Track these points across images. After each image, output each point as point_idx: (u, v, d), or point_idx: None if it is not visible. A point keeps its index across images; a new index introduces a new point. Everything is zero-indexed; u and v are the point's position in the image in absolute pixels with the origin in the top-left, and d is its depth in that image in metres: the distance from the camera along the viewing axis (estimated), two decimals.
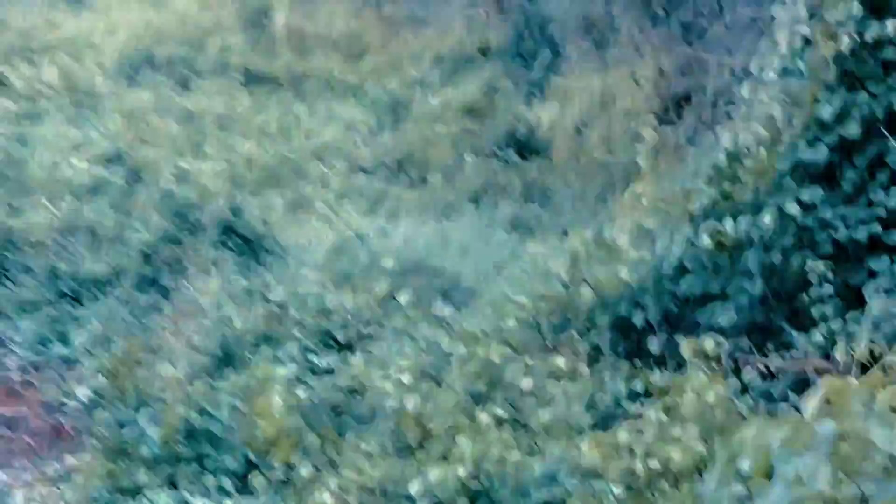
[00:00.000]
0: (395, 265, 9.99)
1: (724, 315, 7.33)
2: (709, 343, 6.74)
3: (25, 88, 15.97)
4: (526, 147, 14.99)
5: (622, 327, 7.61)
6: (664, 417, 6.33)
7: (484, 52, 18.24)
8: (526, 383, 6.98)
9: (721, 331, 7.29)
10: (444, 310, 8.08)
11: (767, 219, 7.19)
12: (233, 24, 19.66)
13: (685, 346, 6.79)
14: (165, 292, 10.50)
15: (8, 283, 10.84)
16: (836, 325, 6.91)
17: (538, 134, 15.17)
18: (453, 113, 15.93)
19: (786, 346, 7.18)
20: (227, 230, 11.16)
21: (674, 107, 14.47)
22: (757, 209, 7.37)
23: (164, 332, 9.52)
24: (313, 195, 13.58)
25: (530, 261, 10.01)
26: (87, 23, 19.61)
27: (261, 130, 15.87)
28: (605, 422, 6.85)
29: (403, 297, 8.47)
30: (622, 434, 6.05)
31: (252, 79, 18.00)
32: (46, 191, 12.42)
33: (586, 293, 7.67)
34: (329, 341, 9.07)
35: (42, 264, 11.03)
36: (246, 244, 11.17)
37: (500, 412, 6.70)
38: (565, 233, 12.03)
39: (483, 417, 6.73)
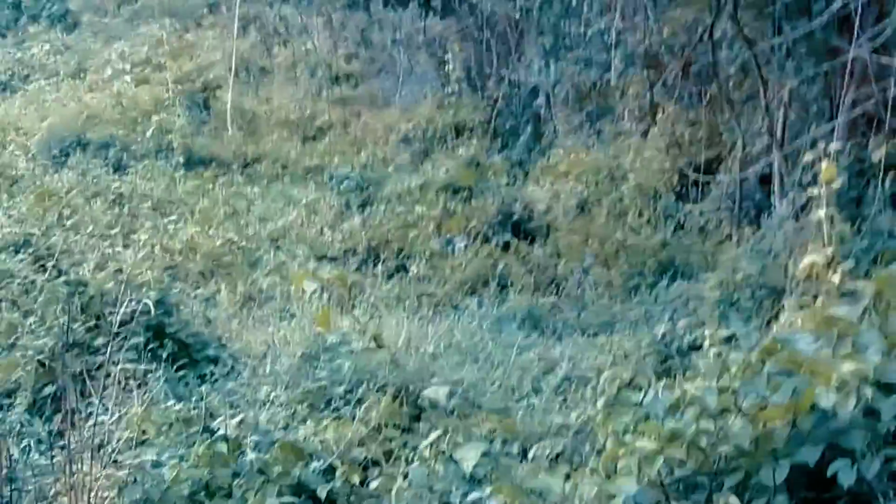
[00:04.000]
0: (393, 380, 6.52)
1: None
2: None
3: None
4: (523, 229, 11.64)
5: (808, 486, 4.14)
6: None
7: (458, 130, 15.07)
8: None
9: None
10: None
11: None
12: (173, 104, 16.39)
13: None
14: (69, 418, 6.80)
15: None
16: None
17: (535, 214, 11.83)
18: (433, 193, 12.57)
19: None
20: (158, 333, 7.53)
21: (692, 182, 11.26)
22: None
23: (58, 482, 5.85)
24: (270, 288, 10.05)
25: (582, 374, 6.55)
26: (16, 108, 17.58)
27: (205, 215, 12.51)
28: None
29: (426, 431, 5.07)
30: None
31: (195, 161, 14.90)
32: None
33: (743, 429, 4.19)
34: (307, 498, 5.48)
35: None
36: (182, 351, 7.55)
37: None
38: (595, 333, 8.63)
39: None
